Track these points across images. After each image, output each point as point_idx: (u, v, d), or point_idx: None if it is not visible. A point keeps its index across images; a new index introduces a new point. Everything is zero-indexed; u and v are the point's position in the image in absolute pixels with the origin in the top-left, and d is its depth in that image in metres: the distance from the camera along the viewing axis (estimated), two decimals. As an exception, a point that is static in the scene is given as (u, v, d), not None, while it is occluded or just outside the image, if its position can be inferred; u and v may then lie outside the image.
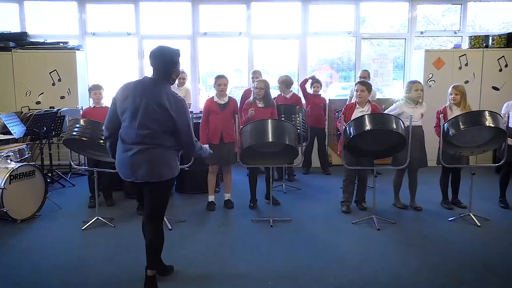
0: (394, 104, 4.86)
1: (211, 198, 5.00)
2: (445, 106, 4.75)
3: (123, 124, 2.91)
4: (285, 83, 5.94)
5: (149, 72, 3.00)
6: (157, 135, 2.83)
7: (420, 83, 4.83)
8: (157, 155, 2.86)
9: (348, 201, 4.86)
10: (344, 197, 4.88)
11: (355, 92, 4.76)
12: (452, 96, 4.67)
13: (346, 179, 4.85)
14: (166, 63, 2.89)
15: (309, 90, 6.41)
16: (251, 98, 4.95)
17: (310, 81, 6.41)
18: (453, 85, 4.75)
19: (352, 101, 6.15)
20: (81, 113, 5.40)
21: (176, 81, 6.31)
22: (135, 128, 2.83)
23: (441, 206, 4.95)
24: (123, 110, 2.88)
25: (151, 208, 3.06)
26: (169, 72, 2.91)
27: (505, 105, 4.96)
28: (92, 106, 5.03)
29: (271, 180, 4.65)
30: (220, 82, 4.75)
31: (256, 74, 6.19)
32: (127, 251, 3.80)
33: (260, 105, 4.88)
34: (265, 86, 4.88)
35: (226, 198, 5.04)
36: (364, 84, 4.72)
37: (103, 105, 5.01)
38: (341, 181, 5.00)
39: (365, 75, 6.27)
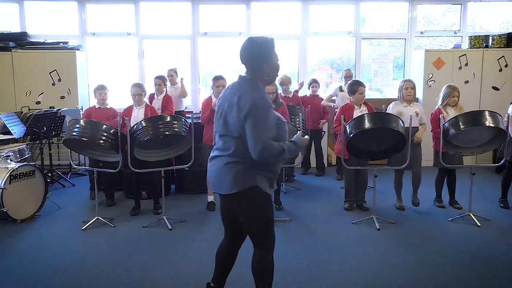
0: (389, 105, 4.86)
1: (210, 198, 5.00)
2: (439, 108, 4.70)
3: None
4: (288, 82, 5.96)
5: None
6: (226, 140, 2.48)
7: (410, 81, 4.80)
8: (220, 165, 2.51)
9: (352, 201, 4.88)
10: (347, 196, 4.90)
11: (358, 95, 4.70)
12: (454, 99, 4.65)
13: (346, 178, 4.87)
14: (253, 54, 2.49)
15: (307, 91, 6.39)
16: None
17: (306, 83, 6.42)
18: (453, 86, 4.71)
19: (333, 99, 6.22)
20: (81, 112, 5.42)
21: (168, 79, 6.31)
22: (215, 131, 2.59)
23: (434, 204, 4.96)
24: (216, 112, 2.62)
25: None
26: (256, 67, 2.48)
27: (510, 106, 4.90)
28: (96, 107, 5.03)
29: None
30: (219, 83, 4.69)
31: None
32: (127, 251, 3.80)
33: None
34: (276, 89, 4.88)
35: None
36: (364, 86, 4.75)
37: (108, 106, 5.01)
38: (340, 181, 5.00)
39: (350, 74, 6.25)
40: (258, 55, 2.47)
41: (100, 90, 4.97)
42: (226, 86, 4.69)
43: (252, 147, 2.32)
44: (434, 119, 4.64)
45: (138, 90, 4.73)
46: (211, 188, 4.94)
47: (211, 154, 2.61)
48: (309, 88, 6.42)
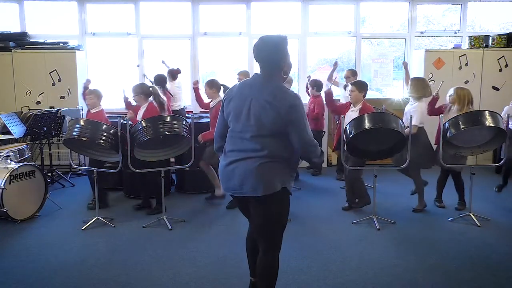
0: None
1: (218, 192, 4.99)
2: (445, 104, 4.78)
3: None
4: (290, 83, 5.96)
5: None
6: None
7: (413, 78, 4.89)
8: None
9: (353, 202, 4.88)
10: (348, 196, 4.91)
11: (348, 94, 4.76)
12: (450, 98, 4.67)
13: (346, 179, 4.87)
14: (271, 53, 2.44)
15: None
16: None
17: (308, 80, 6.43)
18: (455, 88, 4.72)
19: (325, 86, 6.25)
20: (81, 113, 5.42)
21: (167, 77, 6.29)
22: (238, 132, 2.47)
23: (434, 204, 4.95)
24: (227, 114, 2.52)
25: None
26: (274, 65, 2.45)
27: (505, 109, 4.93)
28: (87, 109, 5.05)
29: None
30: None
31: (241, 75, 5.93)
32: (127, 251, 3.80)
33: None
34: None
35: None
36: (355, 84, 4.71)
37: (95, 110, 4.93)
38: (340, 181, 5.00)
39: (349, 74, 6.16)
40: (276, 53, 2.44)
41: (86, 95, 4.99)
42: (206, 89, 4.82)
43: (300, 144, 2.40)
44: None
45: (134, 92, 4.72)
46: (215, 177, 4.88)
47: (232, 158, 2.46)
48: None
